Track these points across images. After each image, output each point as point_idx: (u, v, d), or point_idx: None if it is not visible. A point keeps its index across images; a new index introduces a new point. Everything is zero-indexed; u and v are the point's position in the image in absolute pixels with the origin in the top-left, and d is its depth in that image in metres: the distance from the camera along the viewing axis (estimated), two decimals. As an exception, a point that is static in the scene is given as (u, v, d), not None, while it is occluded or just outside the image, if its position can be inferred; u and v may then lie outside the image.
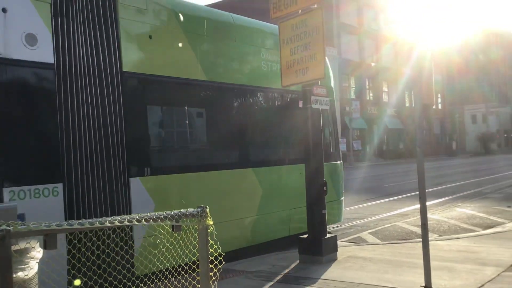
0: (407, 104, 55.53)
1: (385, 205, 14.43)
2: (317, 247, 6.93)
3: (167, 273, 4.39)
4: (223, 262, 3.67)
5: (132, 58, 6.36)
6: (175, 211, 3.11)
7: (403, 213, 12.29)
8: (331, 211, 8.91)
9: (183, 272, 4.39)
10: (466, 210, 12.57)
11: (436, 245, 8.17)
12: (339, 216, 9.85)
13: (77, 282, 4.62)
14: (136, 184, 6.20)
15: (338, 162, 9.79)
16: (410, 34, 5.76)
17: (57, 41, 5.50)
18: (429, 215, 11.27)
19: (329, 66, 9.83)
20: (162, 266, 4.59)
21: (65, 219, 5.34)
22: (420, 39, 5.63)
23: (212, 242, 3.53)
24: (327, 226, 8.10)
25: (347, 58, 48.62)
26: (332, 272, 6.61)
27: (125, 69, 6.15)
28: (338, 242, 7.97)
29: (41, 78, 5.55)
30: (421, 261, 5.45)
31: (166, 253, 4.54)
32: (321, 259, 6.89)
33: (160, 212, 2.99)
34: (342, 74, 47.96)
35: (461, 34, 75.34)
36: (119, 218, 2.81)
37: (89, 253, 4.75)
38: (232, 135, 7.88)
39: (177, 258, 4.45)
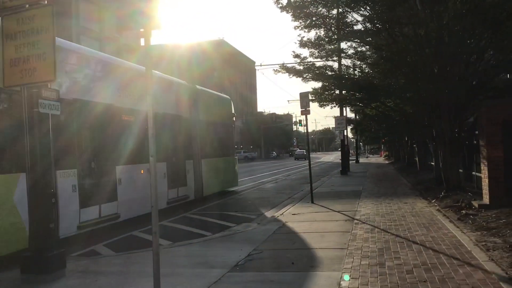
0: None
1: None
2: (41, 265, 6.30)
3: None
4: None
5: None
6: None
7: (142, 223, 12.24)
8: (234, 179, 20.56)
9: None
10: (198, 217, 13.32)
11: (169, 251, 8.38)
12: (236, 182, 20.96)
13: None
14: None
15: (236, 156, 21.79)
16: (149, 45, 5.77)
17: None
18: (164, 223, 11.61)
19: (232, 103, 21.63)
20: None
21: None
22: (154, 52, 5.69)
23: None
24: (233, 188, 20.75)
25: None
26: (59, 291, 6.13)
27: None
28: (69, 257, 7.50)
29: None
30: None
31: None
32: (47, 277, 6.30)
33: None
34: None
35: (201, 51, 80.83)
36: None
37: None
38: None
39: None
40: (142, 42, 5.76)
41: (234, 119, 21.53)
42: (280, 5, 16.00)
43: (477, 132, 12.90)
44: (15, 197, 7.95)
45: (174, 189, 14.31)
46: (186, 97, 16.18)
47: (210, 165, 17.33)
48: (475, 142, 14.11)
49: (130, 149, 11.78)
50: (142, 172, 12.28)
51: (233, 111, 21.22)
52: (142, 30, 5.69)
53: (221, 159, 18.84)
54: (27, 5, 6.46)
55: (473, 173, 14.91)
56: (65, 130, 9.42)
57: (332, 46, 18.49)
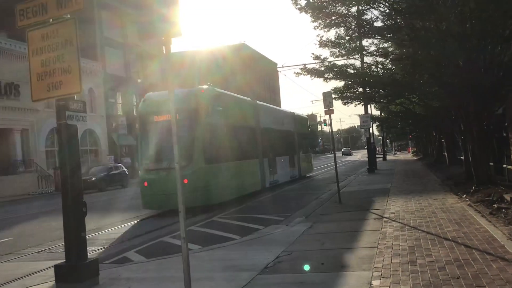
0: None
1: (151, 222, 14.43)
2: (75, 274, 6.43)
3: None
4: None
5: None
6: None
7: (171, 229, 12.39)
8: (311, 167, 34.47)
9: None
10: (226, 220, 13.39)
11: (199, 256, 8.43)
12: (312, 169, 34.70)
13: None
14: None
15: (311, 153, 39.37)
16: (169, 53, 5.83)
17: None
18: (192, 228, 11.70)
19: (308, 119, 38.45)
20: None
21: None
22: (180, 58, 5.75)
23: None
24: (310, 174, 33.89)
25: (113, 73, 47.61)
26: (93, 298, 6.24)
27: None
28: (102, 265, 7.61)
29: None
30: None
31: None
32: (81, 286, 6.42)
33: None
34: (108, 89, 46.81)
35: (221, 56, 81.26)
36: None
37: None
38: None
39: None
40: (164, 49, 5.83)
41: (309, 130, 37.30)
42: (299, 6, 15.96)
43: (506, 124, 12.63)
44: (256, 168, 20.48)
45: (291, 170, 26.81)
46: (291, 120, 29.48)
47: (303, 158, 30.38)
48: (504, 134, 13.83)
49: (279, 149, 24.36)
50: (282, 160, 24.78)
51: (309, 125, 36.22)
52: (163, 38, 5.77)
53: (306, 154, 32.11)
54: (51, 20, 6.62)
55: (504, 166, 14.61)
56: (263, 141, 21.78)
57: (353, 45, 18.33)
